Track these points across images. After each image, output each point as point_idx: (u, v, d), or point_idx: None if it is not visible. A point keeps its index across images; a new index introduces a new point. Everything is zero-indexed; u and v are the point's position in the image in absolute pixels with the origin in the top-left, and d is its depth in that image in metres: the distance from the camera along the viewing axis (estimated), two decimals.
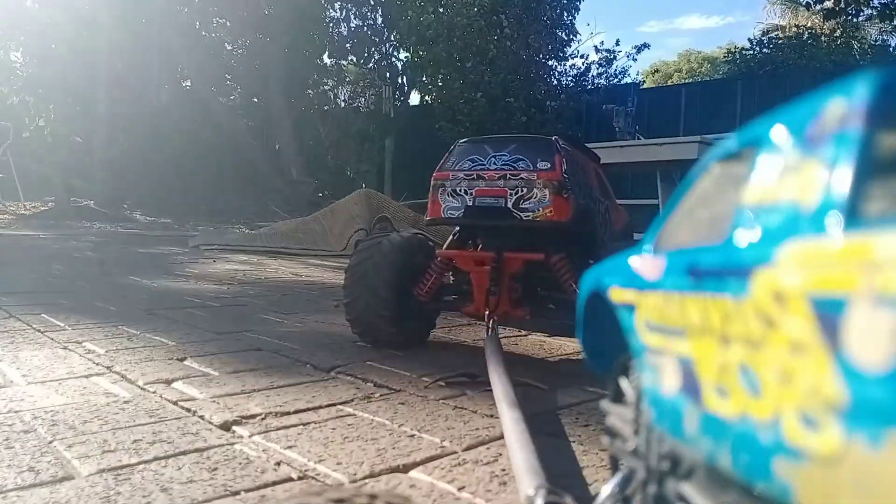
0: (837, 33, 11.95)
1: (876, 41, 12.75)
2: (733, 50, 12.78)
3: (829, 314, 0.34)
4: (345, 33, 15.16)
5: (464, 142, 2.20)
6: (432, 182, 2.10)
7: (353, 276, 1.94)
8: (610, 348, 0.78)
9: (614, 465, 0.79)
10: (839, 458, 0.33)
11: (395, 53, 14.95)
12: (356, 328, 1.97)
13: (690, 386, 0.50)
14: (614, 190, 3.13)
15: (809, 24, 13.18)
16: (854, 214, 0.36)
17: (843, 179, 0.38)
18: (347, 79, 16.26)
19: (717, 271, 0.47)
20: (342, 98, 16.65)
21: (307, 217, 7.03)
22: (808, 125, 0.44)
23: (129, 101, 14.81)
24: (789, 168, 0.45)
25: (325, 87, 16.26)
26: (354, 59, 15.35)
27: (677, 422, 0.54)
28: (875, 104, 0.39)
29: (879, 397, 0.31)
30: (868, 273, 0.32)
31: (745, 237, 0.45)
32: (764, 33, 14.27)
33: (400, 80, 14.89)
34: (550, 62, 13.46)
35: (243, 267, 4.66)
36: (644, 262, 0.64)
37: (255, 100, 15.93)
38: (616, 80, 13.40)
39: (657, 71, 15.03)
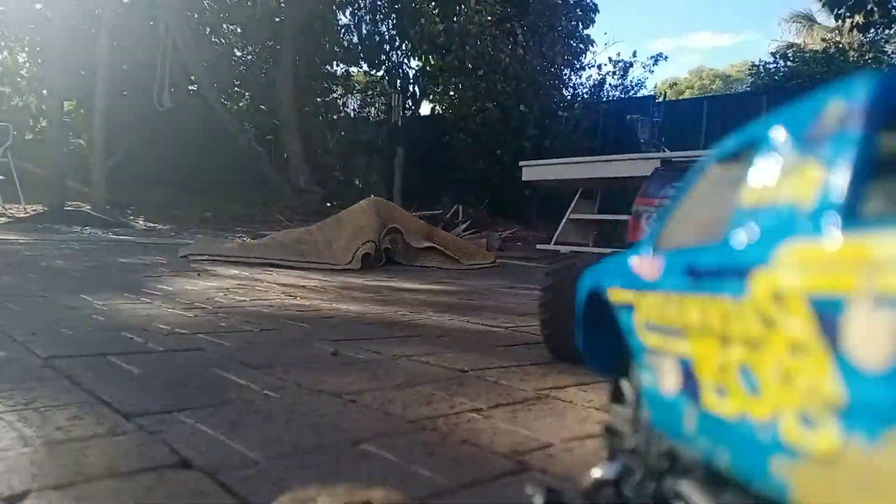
0: (866, 48, 11.08)
1: None
2: (757, 63, 11.89)
3: (827, 314, 0.33)
4: (355, 40, 14.30)
5: (661, 169, 2.14)
6: (634, 208, 2.23)
7: (550, 294, 1.93)
8: (609, 348, 0.73)
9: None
10: (837, 458, 0.32)
11: (407, 61, 14.08)
12: (551, 343, 1.95)
13: (689, 386, 0.48)
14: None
15: (826, 42, 12.28)
16: (853, 215, 0.35)
17: (841, 180, 0.36)
18: (356, 88, 15.41)
19: (715, 271, 0.44)
20: (351, 107, 15.80)
21: (311, 227, 6.15)
22: (808, 125, 0.42)
23: (133, 104, 14.02)
24: (788, 168, 0.43)
25: (335, 94, 15.40)
26: (365, 66, 14.48)
27: (676, 421, 0.51)
28: (875, 105, 0.37)
29: (877, 397, 0.30)
30: (866, 273, 0.30)
31: (743, 237, 0.43)
32: (789, 47, 13.39)
33: (411, 89, 14.03)
34: (565, 72, 12.60)
35: (229, 283, 3.77)
36: (643, 263, 0.60)
37: (263, 107, 15.08)
38: (633, 91, 12.54)
39: (675, 84, 14.17)
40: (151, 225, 11.43)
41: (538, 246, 8.64)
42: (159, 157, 15.34)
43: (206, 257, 5.35)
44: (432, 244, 5.77)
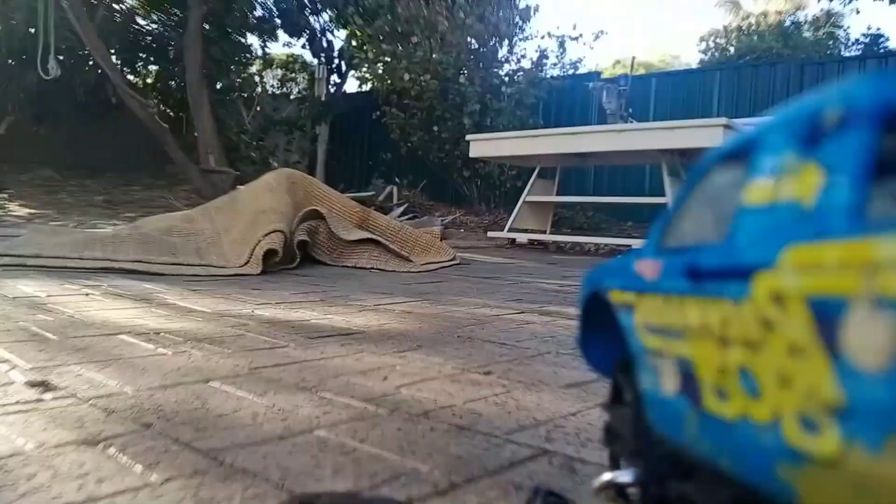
0: (821, 22, 9.76)
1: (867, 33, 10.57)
2: (705, 38, 10.40)
3: (828, 317, 0.30)
4: (273, 9, 11.94)
5: None
6: None
7: None
8: (609, 349, 0.66)
9: (614, 465, 0.66)
10: (838, 461, 0.30)
11: (331, 31, 11.80)
12: None
13: (690, 388, 0.43)
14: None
15: (780, 15, 10.97)
16: (853, 216, 0.32)
17: (842, 181, 0.33)
18: (274, 62, 13.01)
19: (716, 273, 0.40)
20: (269, 82, 13.36)
21: (194, 210, 4.02)
22: (808, 126, 0.37)
23: (15, 73, 11.19)
24: (789, 170, 0.38)
25: (250, 68, 12.94)
26: (284, 35, 12.12)
27: (677, 423, 0.46)
28: (876, 105, 0.33)
29: (878, 400, 0.28)
30: (867, 275, 0.28)
31: (742, 239, 0.39)
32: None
33: (336, 61, 11.78)
34: (504, 43, 10.71)
35: None
36: (644, 264, 0.54)
37: (171, 82, 12.49)
38: (572, 69, 10.82)
39: (618, 62, 12.65)
40: (24, 211, 8.82)
41: (490, 233, 6.79)
42: (48, 133, 12.55)
43: (14, 261, 3.14)
44: (370, 235, 3.76)
